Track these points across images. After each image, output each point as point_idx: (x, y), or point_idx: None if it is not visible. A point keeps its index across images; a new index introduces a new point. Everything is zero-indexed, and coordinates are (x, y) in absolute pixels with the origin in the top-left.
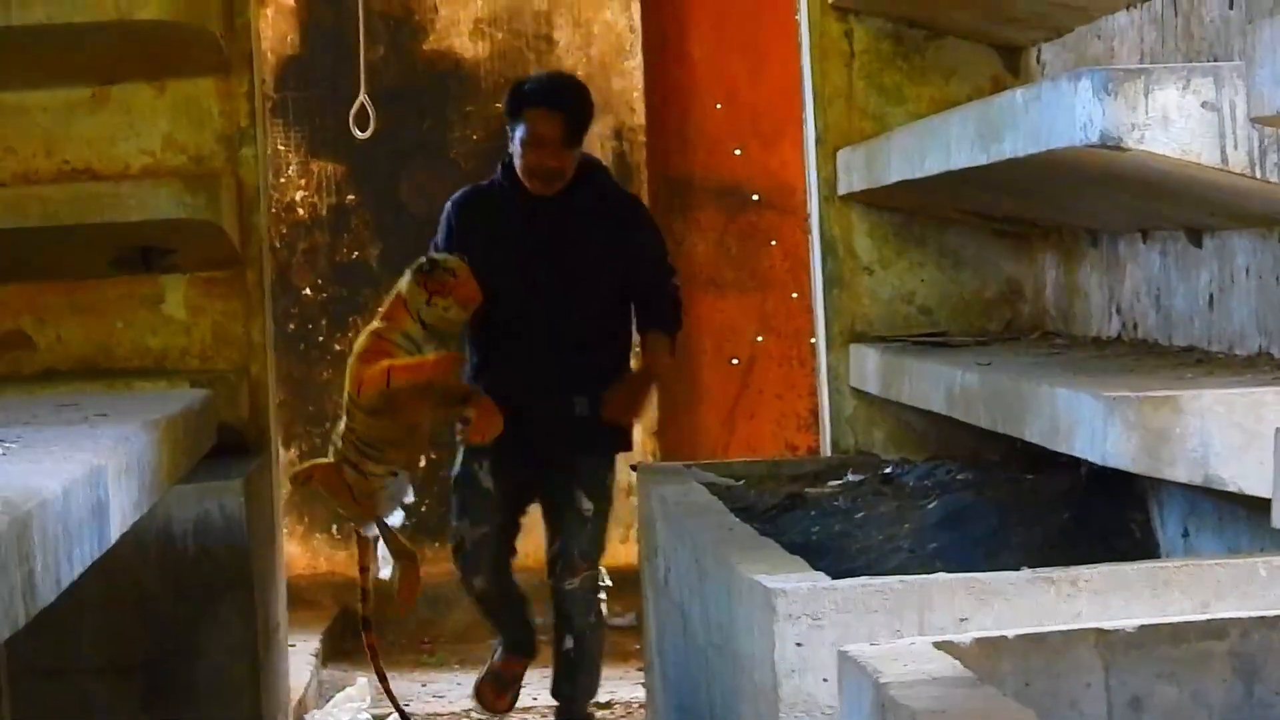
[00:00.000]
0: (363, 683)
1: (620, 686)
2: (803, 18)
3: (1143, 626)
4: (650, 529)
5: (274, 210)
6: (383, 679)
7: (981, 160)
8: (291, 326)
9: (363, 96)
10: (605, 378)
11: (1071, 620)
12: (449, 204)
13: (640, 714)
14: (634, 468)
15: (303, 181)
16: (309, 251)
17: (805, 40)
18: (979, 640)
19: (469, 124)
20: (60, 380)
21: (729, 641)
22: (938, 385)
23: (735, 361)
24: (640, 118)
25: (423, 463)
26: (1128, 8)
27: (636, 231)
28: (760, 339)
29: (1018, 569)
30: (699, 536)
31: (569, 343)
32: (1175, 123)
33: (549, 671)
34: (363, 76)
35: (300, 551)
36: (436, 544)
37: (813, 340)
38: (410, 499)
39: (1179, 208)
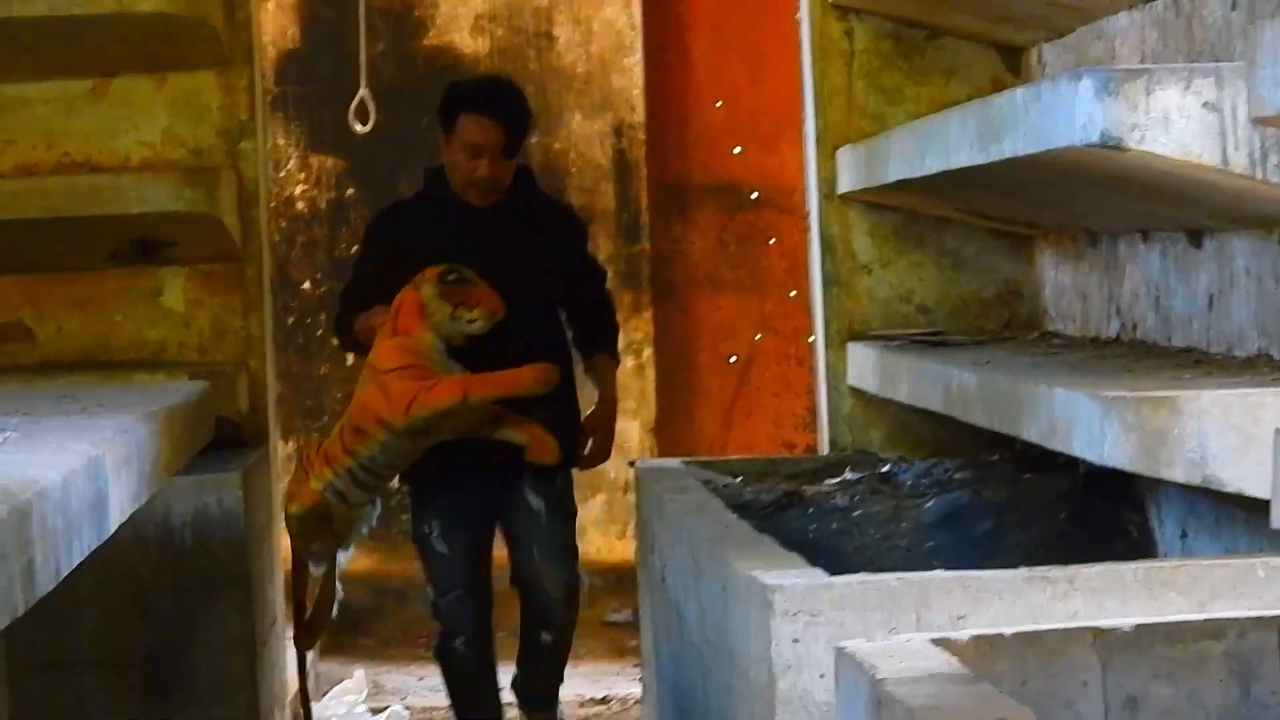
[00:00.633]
0: (359, 676)
1: (617, 683)
2: (803, 17)
3: (1139, 626)
4: (647, 526)
5: (273, 204)
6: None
7: (981, 160)
8: (290, 321)
9: (363, 91)
10: (553, 395)
11: (1068, 620)
12: (372, 221)
13: (636, 710)
14: (632, 464)
15: (302, 176)
16: (308, 245)
17: (805, 39)
18: (976, 638)
19: None
20: (59, 372)
21: (725, 638)
22: (936, 385)
23: (733, 360)
24: (640, 115)
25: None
26: (1129, 8)
27: (574, 242)
28: (758, 338)
29: (1015, 568)
30: (696, 533)
31: (511, 360)
32: (1176, 123)
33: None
34: (363, 71)
35: None
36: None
37: (811, 339)
38: (369, 527)
39: (1179, 209)
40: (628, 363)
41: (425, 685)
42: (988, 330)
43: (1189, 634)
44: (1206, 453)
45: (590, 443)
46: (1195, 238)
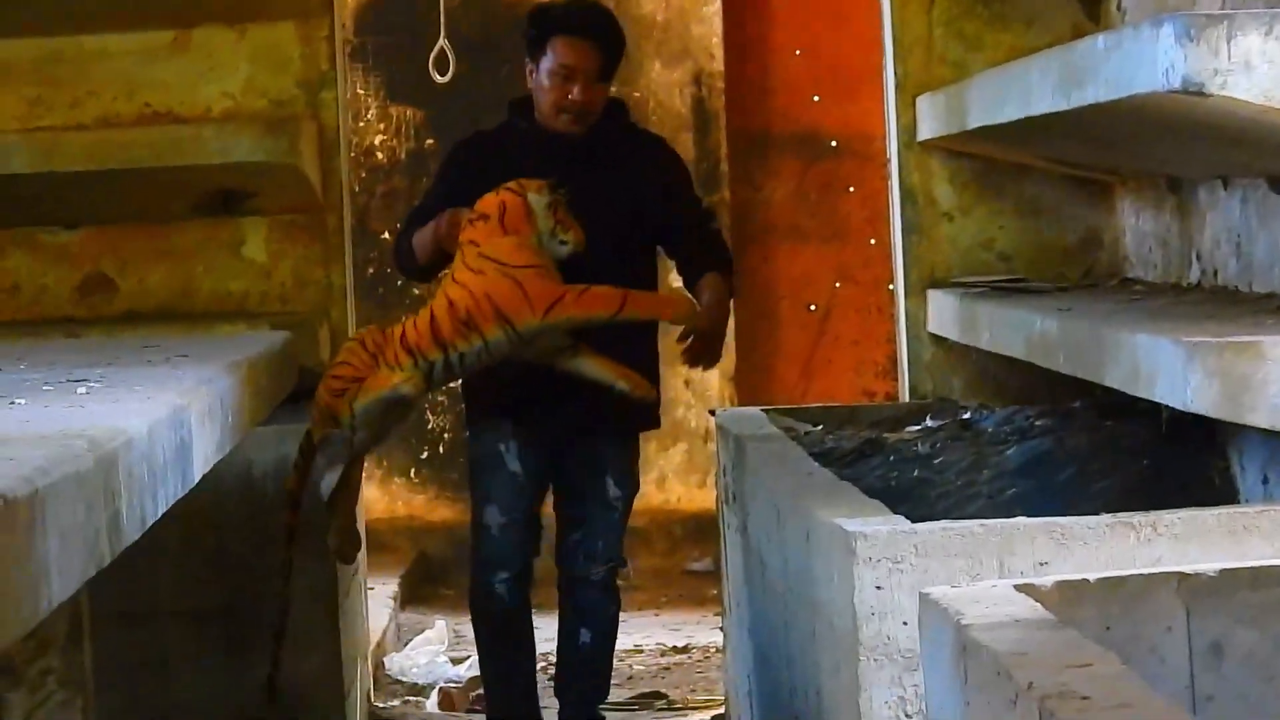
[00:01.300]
0: (441, 625)
1: (698, 631)
2: None
3: (1223, 571)
4: (728, 474)
5: (353, 154)
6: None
7: (1062, 107)
8: (370, 271)
9: (442, 41)
10: (639, 341)
11: (1151, 565)
12: (454, 149)
13: (717, 659)
14: (712, 412)
15: (382, 126)
16: (387, 196)
17: None
18: (1060, 584)
19: None
20: (141, 323)
21: (808, 586)
22: (1017, 331)
23: (813, 309)
24: (719, 64)
25: None
26: None
27: (670, 174)
28: (838, 286)
29: (1097, 514)
30: (777, 482)
31: None
32: (1258, 69)
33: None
34: (443, 21)
35: (379, 496)
36: None
37: (890, 287)
38: None
39: (1260, 155)
40: None
41: None
42: (1068, 277)
43: (1273, 579)
44: None
45: (693, 342)
46: (1276, 184)
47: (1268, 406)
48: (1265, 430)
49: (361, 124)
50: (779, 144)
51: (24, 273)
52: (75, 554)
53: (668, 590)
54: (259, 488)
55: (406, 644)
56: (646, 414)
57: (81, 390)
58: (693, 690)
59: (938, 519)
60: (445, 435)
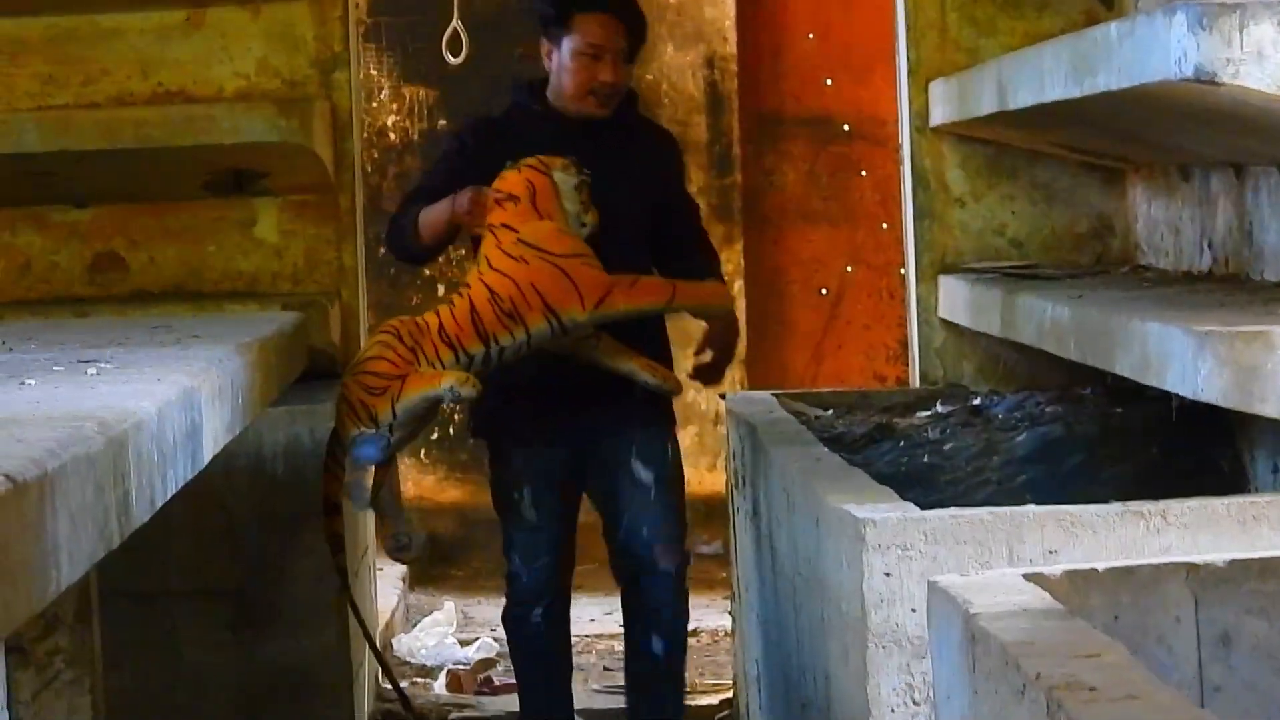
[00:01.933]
0: (449, 607)
1: (707, 615)
2: None
3: (1233, 561)
4: (737, 458)
5: (366, 135)
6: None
7: (1074, 94)
8: (382, 251)
9: (455, 22)
10: (652, 332)
11: (1161, 554)
12: (460, 131)
13: (726, 643)
14: (722, 396)
15: (394, 106)
16: (400, 176)
17: None
18: (1069, 573)
19: None
20: (152, 302)
21: (817, 571)
22: (1028, 318)
23: (824, 292)
24: (732, 47)
25: None
26: None
27: (675, 166)
28: (849, 270)
29: (1107, 502)
30: (787, 466)
31: None
32: (1270, 58)
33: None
34: (455, 2)
35: None
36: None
37: (902, 271)
38: None
39: (1272, 143)
40: None
41: None
42: (1080, 264)
43: None
44: None
45: (710, 355)
46: None
47: (1278, 396)
48: (1276, 420)
49: (374, 104)
50: (791, 127)
51: (35, 251)
52: (85, 536)
53: None
54: (269, 468)
55: (415, 625)
56: (657, 406)
57: (91, 371)
58: (701, 674)
59: (948, 505)
60: (455, 416)
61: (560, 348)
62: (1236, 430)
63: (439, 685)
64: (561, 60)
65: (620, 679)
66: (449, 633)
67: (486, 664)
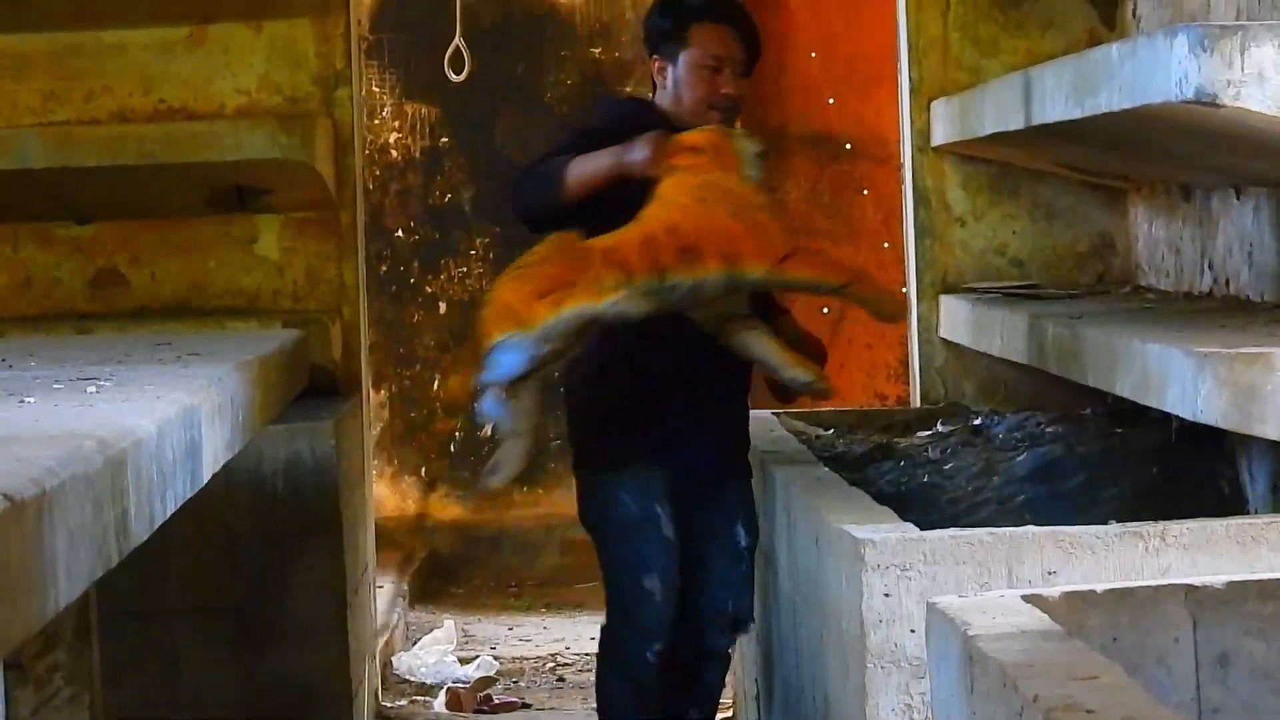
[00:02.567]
0: (449, 625)
1: None
2: None
3: (1231, 583)
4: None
5: (368, 152)
6: None
7: (1076, 115)
8: (384, 268)
9: (458, 39)
10: (746, 366)
11: (1159, 575)
12: (606, 104)
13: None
14: None
15: (397, 123)
16: (402, 193)
17: None
18: (1067, 594)
19: (564, 68)
20: (153, 319)
21: (817, 590)
22: (1029, 338)
23: (826, 311)
24: None
25: None
26: None
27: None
28: None
29: (1106, 523)
30: (788, 485)
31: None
32: (1271, 80)
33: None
34: (458, 19)
35: (389, 494)
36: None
37: (904, 290)
38: None
39: (1273, 164)
40: None
41: (515, 635)
42: (1081, 284)
43: None
44: None
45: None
46: None
47: (1277, 417)
48: (1275, 441)
49: (376, 121)
50: (794, 145)
51: (36, 266)
52: (83, 554)
53: None
54: (269, 485)
55: (415, 643)
56: (746, 455)
57: (91, 389)
58: None
59: (948, 525)
60: (457, 434)
61: (708, 319)
62: (1236, 451)
63: (439, 704)
64: (679, 74)
65: None
66: (449, 651)
67: (486, 682)
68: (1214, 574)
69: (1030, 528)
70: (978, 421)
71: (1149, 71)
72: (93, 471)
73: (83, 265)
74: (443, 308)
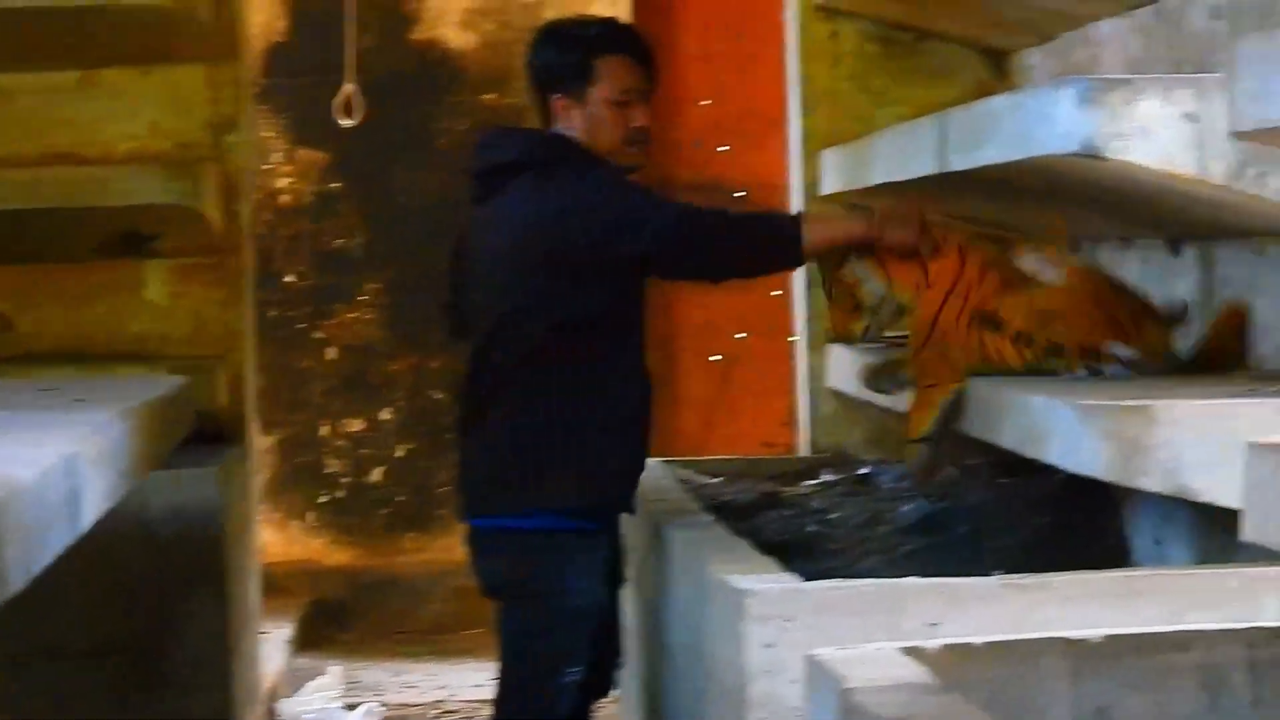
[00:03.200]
0: (335, 671)
1: None
2: (789, 18)
3: (1110, 636)
4: (624, 525)
5: (259, 197)
6: None
7: (964, 166)
8: (273, 314)
9: (350, 85)
10: None
11: (1042, 627)
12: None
13: (612, 709)
14: None
15: (288, 169)
16: (293, 239)
17: (792, 40)
18: (947, 647)
19: (456, 114)
20: (38, 365)
21: (700, 640)
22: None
23: (716, 359)
24: None
25: None
26: (1113, 15)
27: None
28: (742, 336)
29: (991, 574)
30: (672, 534)
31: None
32: (1156, 134)
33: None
34: (350, 65)
35: (275, 539)
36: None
37: (791, 340)
38: None
39: (1159, 217)
40: None
41: (401, 681)
42: None
43: (1159, 645)
44: (1181, 462)
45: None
46: (1175, 246)
47: (1159, 470)
48: (1157, 493)
49: (268, 166)
50: (686, 193)
51: None
52: None
53: None
54: (156, 530)
55: (299, 689)
56: None
57: None
58: None
59: (833, 575)
60: (344, 479)
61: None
62: (1121, 502)
63: None
64: (591, 112)
65: None
66: (334, 696)
67: None
68: (1096, 626)
69: (913, 579)
70: (864, 470)
71: (1036, 123)
72: None
73: None
74: (332, 353)
